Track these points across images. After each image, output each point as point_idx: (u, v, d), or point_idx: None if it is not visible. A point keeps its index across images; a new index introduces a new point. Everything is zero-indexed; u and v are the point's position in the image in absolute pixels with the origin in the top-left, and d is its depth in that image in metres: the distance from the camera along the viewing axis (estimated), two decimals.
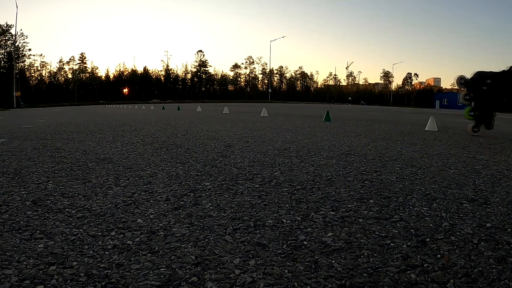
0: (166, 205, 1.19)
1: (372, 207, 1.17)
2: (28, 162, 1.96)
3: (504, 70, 3.89)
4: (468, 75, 4.00)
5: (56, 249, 0.85)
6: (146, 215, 1.09)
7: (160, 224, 1.01)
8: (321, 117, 6.66)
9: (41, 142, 2.83)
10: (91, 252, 0.83)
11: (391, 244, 0.89)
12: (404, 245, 0.88)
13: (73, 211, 1.12)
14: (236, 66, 78.43)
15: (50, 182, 1.51)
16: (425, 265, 0.78)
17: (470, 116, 3.97)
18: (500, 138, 2.84)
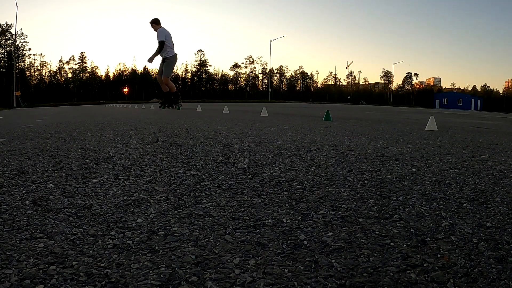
0: (166, 204, 1.19)
1: (372, 207, 1.17)
2: (28, 161, 1.96)
3: None
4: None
5: (56, 248, 0.85)
6: (146, 214, 1.09)
7: (160, 224, 1.01)
8: (321, 117, 6.66)
9: (41, 141, 2.83)
10: (91, 251, 0.83)
11: (391, 243, 0.89)
12: (404, 245, 0.88)
13: (73, 211, 1.12)
14: (236, 66, 78.41)
15: (50, 181, 1.51)
16: (425, 265, 0.78)
17: None
18: (501, 137, 2.84)
